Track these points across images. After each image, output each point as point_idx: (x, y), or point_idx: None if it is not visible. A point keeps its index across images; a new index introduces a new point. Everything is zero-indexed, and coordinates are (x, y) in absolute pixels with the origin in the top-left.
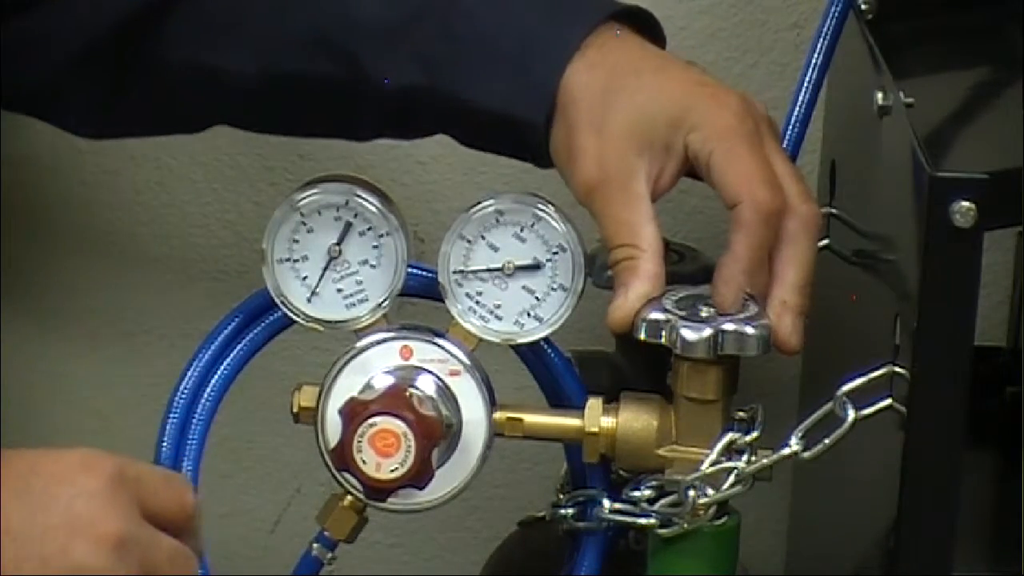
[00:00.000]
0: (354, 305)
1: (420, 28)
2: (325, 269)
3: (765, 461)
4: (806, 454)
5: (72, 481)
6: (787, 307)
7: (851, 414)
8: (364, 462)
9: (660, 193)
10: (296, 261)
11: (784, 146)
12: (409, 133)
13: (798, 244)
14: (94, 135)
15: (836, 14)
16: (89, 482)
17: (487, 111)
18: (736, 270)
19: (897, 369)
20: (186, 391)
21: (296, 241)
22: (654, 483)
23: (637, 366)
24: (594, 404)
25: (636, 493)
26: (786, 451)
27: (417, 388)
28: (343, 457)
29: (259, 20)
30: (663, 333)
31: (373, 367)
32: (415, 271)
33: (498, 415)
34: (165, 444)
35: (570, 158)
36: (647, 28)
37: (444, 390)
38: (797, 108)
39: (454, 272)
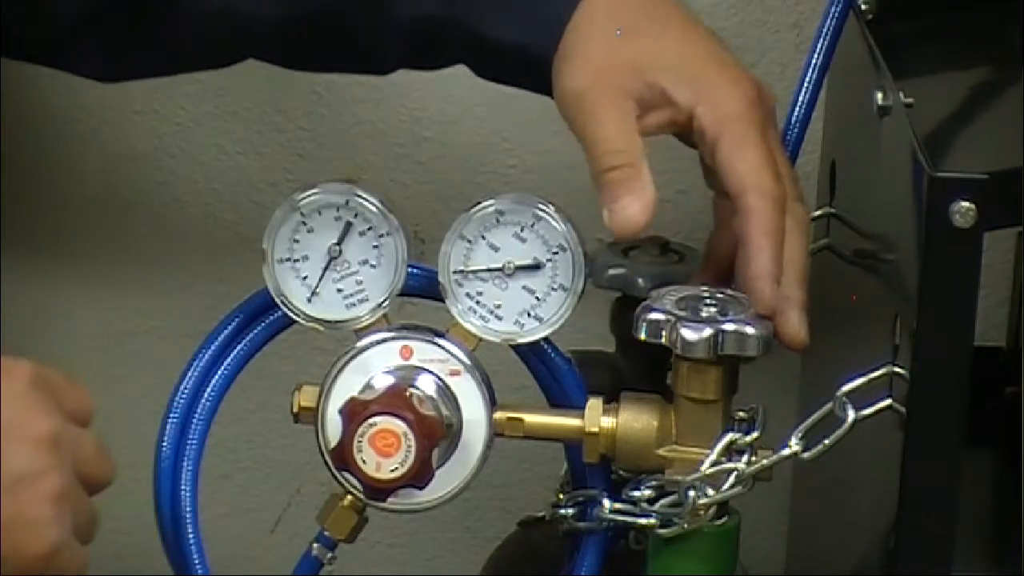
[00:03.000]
0: (354, 305)
1: None
2: (325, 269)
3: (765, 462)
4: (806, 455)
5: None
6: (792, 302)
7: (851, 414)
8: (364, 462)
9: (641, 132)
10: (296, 261)
11: (784, 146)
12: (429, 63)
13: (794, 241)
14: (110, 79)
15: (836, 14)
16: (11, 387)
17: (502, 43)
18: (764, 260)
19: (897, 369)
20: (186, 391)
21: (296, 241)
22: (654, 483)
23: (637, 366)
24: (594, 404)
25: (636, 493)
26: (786, 452)
27: (417, 388)
28: (343, 457)
29: None
30: (663, 333)
31: (373, 367)
32: (415, 271)
33: (498, 415)
34: (165, 444)
35: (567, 60)
36: None
37: (444, 390)
38: (797, 108)
39: (454, 272)
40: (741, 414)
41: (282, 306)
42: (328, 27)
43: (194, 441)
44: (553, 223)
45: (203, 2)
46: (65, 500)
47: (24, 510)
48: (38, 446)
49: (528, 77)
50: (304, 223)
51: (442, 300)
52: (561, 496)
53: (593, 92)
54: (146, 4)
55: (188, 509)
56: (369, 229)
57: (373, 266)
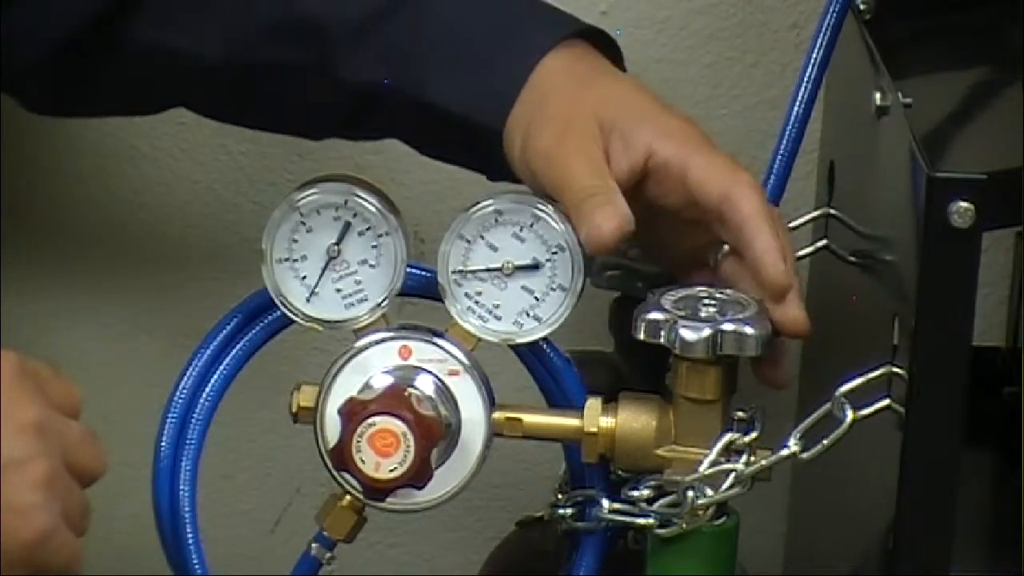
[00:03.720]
0: (353, 305)
1: (392, 23)
2: (324, 269)
3: (764, 463)
4: (805, 455)
5: None
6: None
7: (849, 414)
8: (363, 462)
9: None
10: (295, 261)
11: (783, 145)
12: (361, 133)
13: (781, 232)
14: (52, 114)
15: (835, 14)
16: None
17: (448, 113)
18: (767, 236)
19: (895, 369)
20: (185, 391)
21: (295, 241)
22: (653, 483)
23: (636, 366)
24: (593, 404)
25: (635, 493)
26: (785, 452)
27: (416, 388)
28: (342, 457)
29: (230, 4)
30: (662, 333)
31: (372, 367)
32: (414, 271)
33: (497, 415)
34: (164, 444)
35: (533, 122)
36: (610, 51)
37: (443, 390)
38: (796, 108)
39: (453, 272)
40: (740, 414)
41: (281, 306)
42: (269, 79)
43: (193, 441)
44: (552, 223)
45: (154, 40)
46: (53, 487)
47: (12, 496)
48: (23, 432)
49: (468, 149)
50: (303, 223)
51: (441, 300)
52: (560, 496)
53: (563, 146)
54: (105, 43)
55: (187, 509)
56: (368, 229)
57: (372, 266)
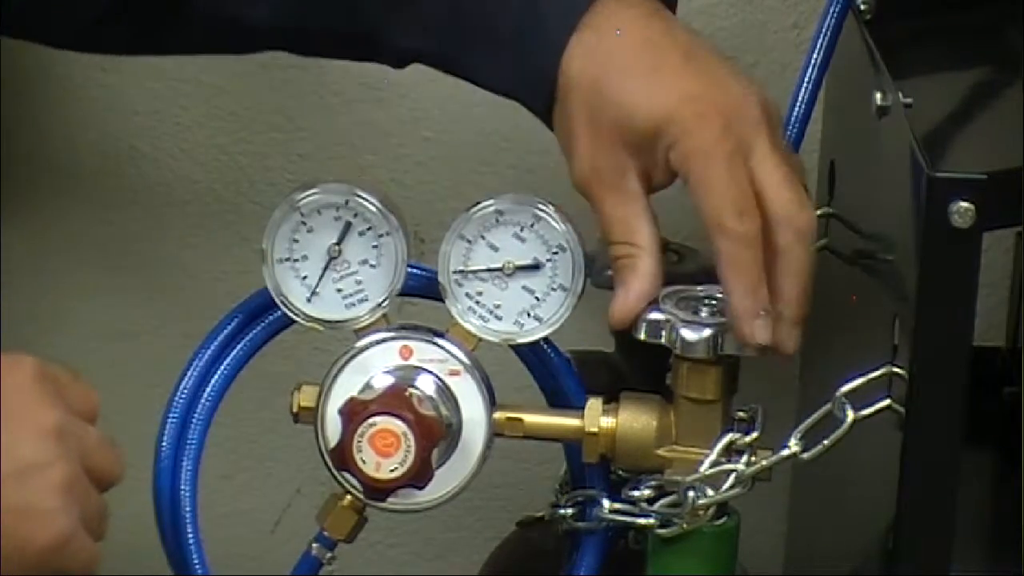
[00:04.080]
0: (354, 305)
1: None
2: (325, 269)
3: (764, 463)
4: (805, 455)
5: None
6: (782, 320)
7: (850, 415)
8: (364, 462)
9: (656, 189)
10: (296, 261)
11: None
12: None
13: (791, 254)
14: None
15: (835, 14)
16: (15, 379)
17: (493, 90)
18: (746, 303)
19: (895, 369)
20: (186, 391)
21: (296, 241)
22: (653, 483)
23: (636, 366)
24: (594, 404)
25: (635, 493)
26: (785, 452)
27: (417, 388)
28: (343, 457)
29: None
30: (663, 333)
31: (373, 367)
32: (415, 271)
33: (498, 415)
34: (165, 444)
35: (567, 148)
36: None
37: (444, 390)
38: (797, 108)
39: (454, 272)
40: (741, 414)
41: (282, 306)
42: (314, 47)
43: (194, 441)
44: (553, 223)
45: (209, 10)
46: (72, 491)
47: (32, 500)
48: (43, 437)
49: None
50: (304, 223)
51: (442, 300)
52: (561, 496)
53: (594, 187)
54: (156, 11)
55: (188, 509)
56: (369, 229)
57: (373, 266)
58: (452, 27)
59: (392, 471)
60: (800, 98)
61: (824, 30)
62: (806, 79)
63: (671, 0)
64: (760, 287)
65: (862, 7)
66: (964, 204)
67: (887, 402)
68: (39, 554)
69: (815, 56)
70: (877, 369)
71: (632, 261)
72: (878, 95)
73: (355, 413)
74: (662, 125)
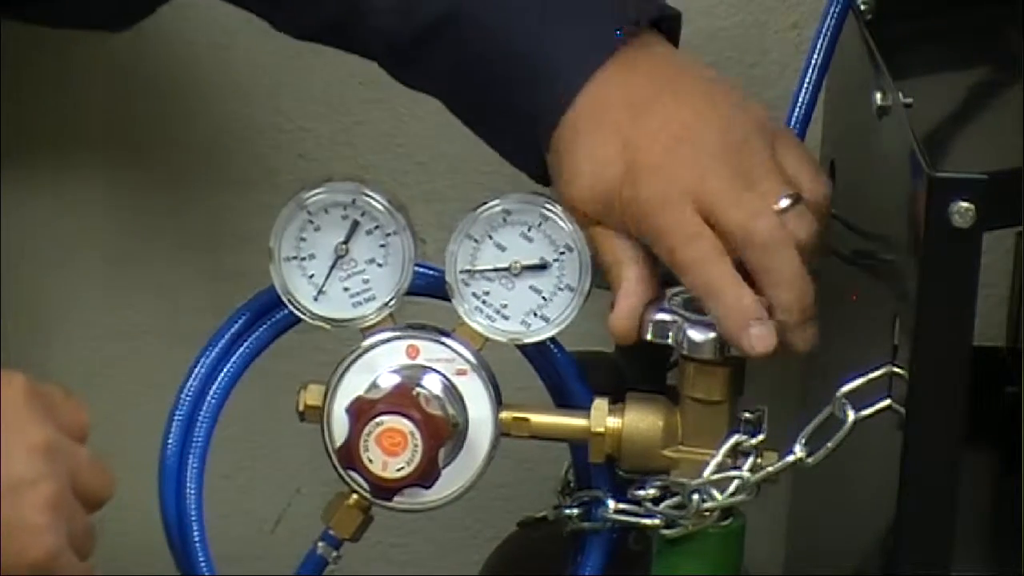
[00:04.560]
0: (361, 304)
1: (442, 38)
2: (332, 268)
3: (770, 469)
4: (810, 459)
5: None
6: (786, 326)
7: (850, 415)
8: (370, 461)
9: None
10: (303, 259)
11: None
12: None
13: (773, 265)
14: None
15: (835, 14)
16: (7, 395)
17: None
18: (728, 323)
19: (896, 370)
20: (192, 388)
21: (303, 239)
22: (659, 483)
23: (637, 367)
24: (600, 404)
25: (641, 493)
26: (791, 458)
27: (424, 387)
28: (349, 456)
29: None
30: (670, 334)
31: (379, 366)
32: (422, 270)
33: (504, 415)
34: (171, 442)
35: (558, 173)
36: (665, 27)
37: (451, 389)
38: (797, 108)
39: (461, 271)
40: (747, 415)
41: (288, 304)
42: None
43: (199, 439)
44: (560, 223)
45: None
46: (60, 509)
47: (20, 516)
48: (32, 454)
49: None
50: (311, 221)
51: (448, 299)
52: (563, 497)
53: (595, 235)
54: None
55: (194, 508)
56: (376, 228)
57: (380, 265)
58: (469, 66)
59: (399, 470)
60: (800, 99)
61: (824, 30)
62: (806, 79)
63: (674, 26)
64: (738, 301)
65: (862, 7)
66: (964, 204)
67: (887, 402)
68: (26, 570)
69: (815, 56)
70: (877, 369)
71: (617, 277)
72: (878, 95)
73: (362, 412)
74: (630, 176)
